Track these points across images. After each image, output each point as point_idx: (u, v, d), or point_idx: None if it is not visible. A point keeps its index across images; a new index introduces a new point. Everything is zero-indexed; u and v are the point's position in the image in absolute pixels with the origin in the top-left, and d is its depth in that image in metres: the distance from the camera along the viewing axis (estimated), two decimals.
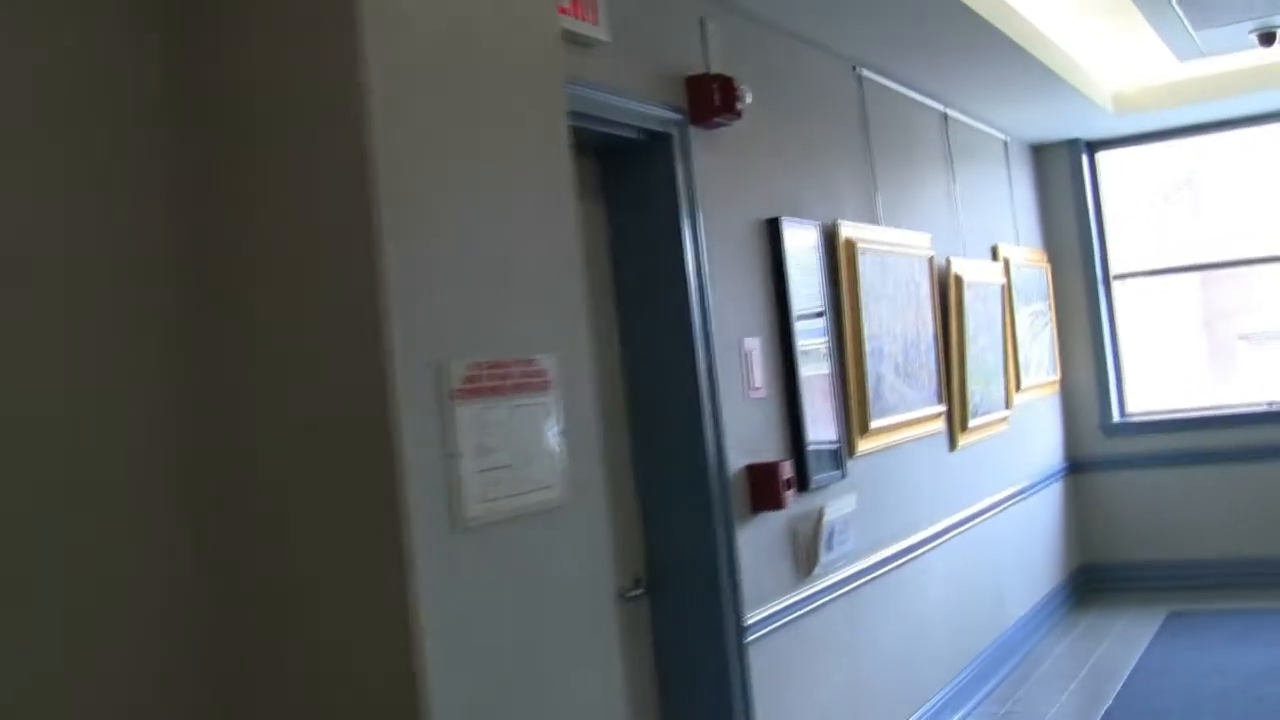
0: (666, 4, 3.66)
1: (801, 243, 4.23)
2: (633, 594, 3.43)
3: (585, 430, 2.25)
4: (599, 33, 3.17)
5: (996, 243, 6.47)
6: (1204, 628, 6.28)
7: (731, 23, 3.98)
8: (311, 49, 1.95)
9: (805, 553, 4.04)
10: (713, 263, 3.65)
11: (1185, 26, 5.48)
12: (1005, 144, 6.91)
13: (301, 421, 1.97)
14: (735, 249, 3.85)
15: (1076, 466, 7.42)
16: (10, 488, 1.76)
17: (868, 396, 4.55)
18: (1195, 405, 7.34)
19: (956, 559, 5.41)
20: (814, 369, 4.21)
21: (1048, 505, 6.93)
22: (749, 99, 3.73)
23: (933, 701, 4.97)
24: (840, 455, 4.35)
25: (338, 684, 1.94)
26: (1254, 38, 5.65)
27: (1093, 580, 7.35)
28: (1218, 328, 7.67)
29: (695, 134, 3.65)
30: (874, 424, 4.59)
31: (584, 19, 3.10)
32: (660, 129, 3.50)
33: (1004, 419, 6.19)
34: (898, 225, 5.15)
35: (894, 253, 4.98)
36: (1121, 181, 7.62)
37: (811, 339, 4.21)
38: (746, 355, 3.82)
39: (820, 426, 4.20)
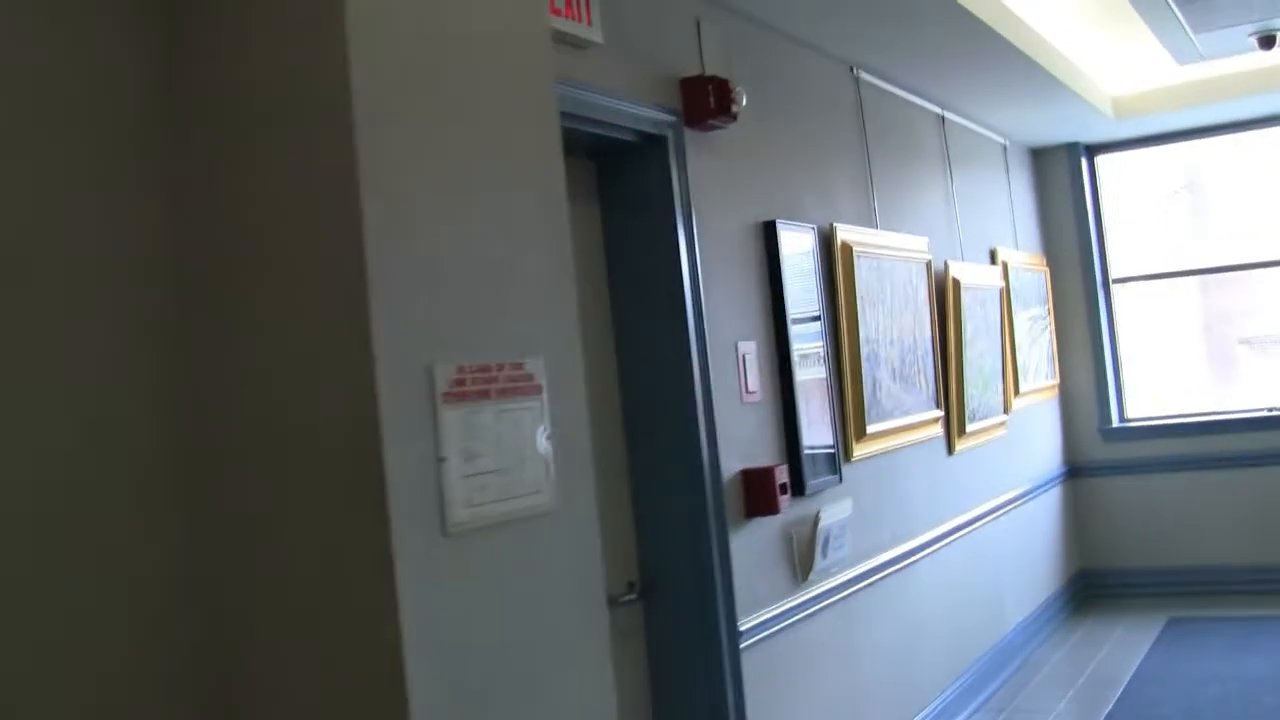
0: (661, 5, 3.64)
1: (797, 246, 4.21)
2: (626, 599, 3.40)
3: (575, 434, 2.23)
4: (593, 34, 3.15)
5: (995, 246, 6.45)
6: (1204, 634, 6.25)
7: (727, 24, 3.96)
8: (300, 50, 1.94)
9: (800, 558, 4.02)
10: (707, 266, 3.62)
11: (1184, 30, 5.46)
12: (1004, 147, 6.89)
13: (290, 422, 1.96)
14: (730, 252, 3.83)
15: (1075, 471, 7.40)
16: (10, 487, 1.77)
17: (864, 401, 4.52)
18: (1195, 410, 7.32)
19: (954, 564, 5.39)
20: (810, 373, 4.19)
21: (1046, 510, 6.90)
22: (744, 101, 3.70)
23: (930, 708, 4.94)
24: (836, 460, 4.33)
25: (326, 687, 1.93)
26: (1253, 41, 5.64)
27: (1092, 586, 7.32)
28: (1218, 332, 7.64)
29: (690, 136, 3.63)
30: (870, 428, 4.57)
31: (577, 20, 3.08)
32: (655, 131, 3.48)
33: (1002, 423, 6.17)
34: (895, 229, 5.13)
35: (891, 256, 4.95)
36: (1121, 185, 7.59)
37: (807, 343, 4.19)
38: (741, 359, 3.79)
39: (816, 431, 4.18)
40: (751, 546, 3.73)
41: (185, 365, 2.00)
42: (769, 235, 4.04)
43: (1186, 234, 7.60)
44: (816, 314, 4.30)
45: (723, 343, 3.68)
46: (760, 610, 3.73)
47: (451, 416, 1.96)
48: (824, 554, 4.11)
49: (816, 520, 4.07)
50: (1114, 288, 7.51)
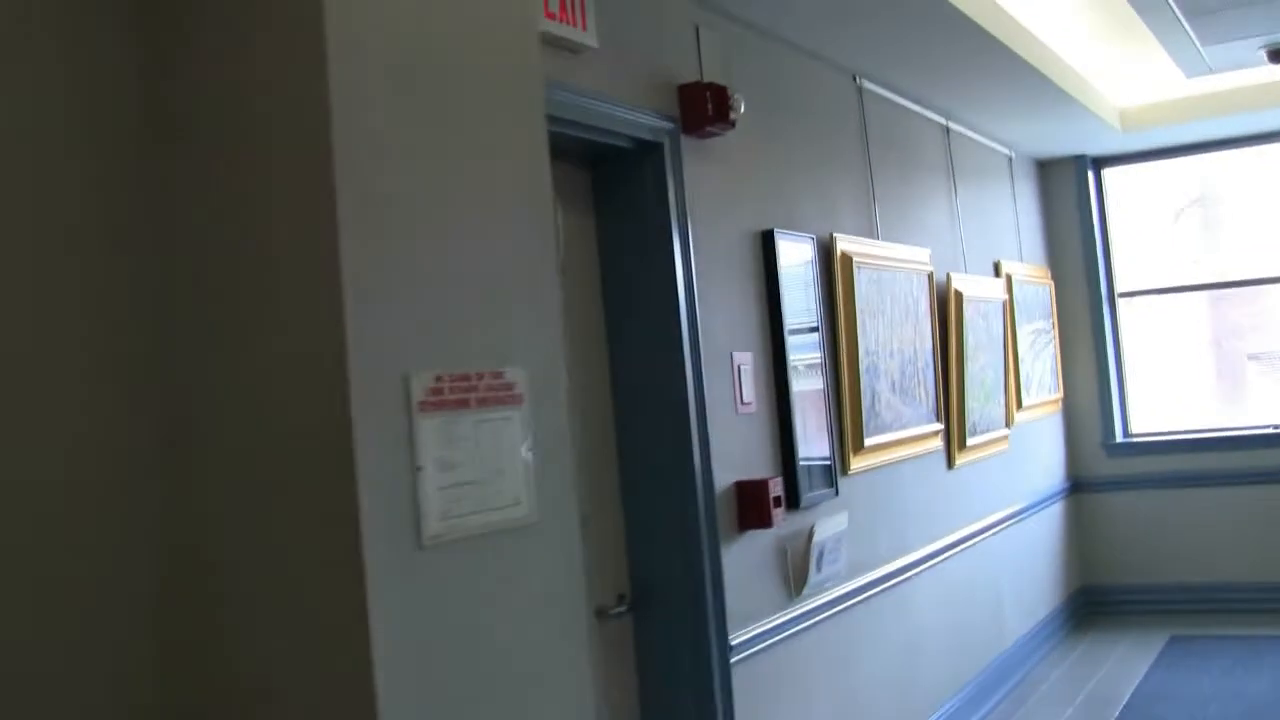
0: (659, 10, 3.60)
1: (796, 256, 4.16)
2: (615, 611, 3.36)
3: (557, 445, 2.19)
4: (587, 38, 3.11)
5: (999, 259, 6.40)
6: (1206, 653, 6.18)
7: (726, 30, 3.92)
8: (280, 53, 1.91)
9: (794, 572, 3.97)
10: (703, 275, 3.58)
11: (1193, 43, 5.41)
12: (1009, 159, 6.84)
13: (268, 428, 1.93)
14: (727, 261, 3.79)
15: (1078, 487, 7.34)
16: (10, 487, 1.78)
17: (862, 413, 4.47)
18: (1199, 426, 7.26)
19: (954, 579, 5.33)
20: (807, 384, 4.14)
21: (1048, 526, 6.84)
22: (743, 108, 3.66)
23: None
24: (833, 473, 4.28)
25: (295, 701, 1.90)
26: (1263, 54, 5.59)
27: (1093, 602, 7.26)
28: (1227, 347, 7.58)
29: (687, 143, 3.59)
30: (869, 441, 4.52)
31: (571, 24, 3.04)
32: (651, 138, 3.44)
33: (1004, 437, 6.11)
34: (897, 240, 5.08)
35: (892, 267, 4.91)
36: (1129, 198, 7.54)
37: (805, 354, 4.14)
38: (737, 369, 3.75)
39: (812, 443, 4.13)
40: (744, 560, 3.69)
41: (169, 369, 1.99)
42: (767, 245, 4.00)
43: (1196, 248, 7.54)
44: (814, 325, 4.25)
45: (718, 353, 3.64)
46: (752, 624, 3.68)
47: (428, 425, 1.92)
48: (818, 568, 4.06)
49: (811, 534, 4.02)
50: (1120, 301, 7.46)
